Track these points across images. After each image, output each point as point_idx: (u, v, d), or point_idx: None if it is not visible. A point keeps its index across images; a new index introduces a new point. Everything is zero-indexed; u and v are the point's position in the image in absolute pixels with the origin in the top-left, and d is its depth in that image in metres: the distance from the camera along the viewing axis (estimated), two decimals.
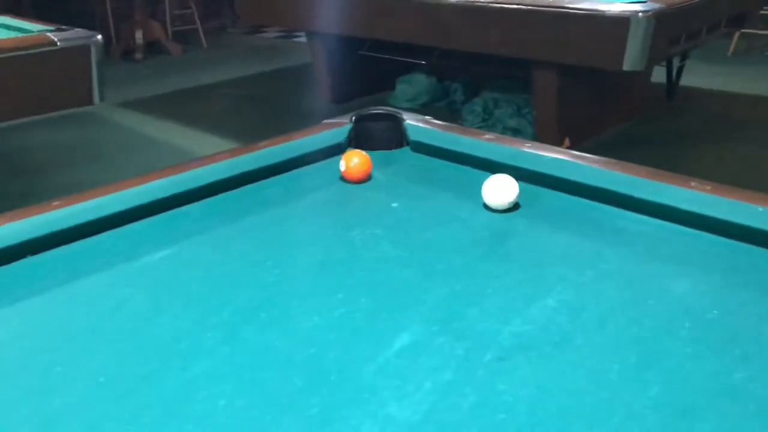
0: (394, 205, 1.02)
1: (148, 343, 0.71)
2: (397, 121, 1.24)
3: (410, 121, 1.25)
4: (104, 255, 0.87)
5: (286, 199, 1.05)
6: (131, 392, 0.64)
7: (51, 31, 2.28)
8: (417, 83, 4.21)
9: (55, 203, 0.93)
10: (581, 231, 0.94)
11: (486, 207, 0.97)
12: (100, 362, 0.68)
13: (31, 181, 3.17)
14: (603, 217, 0.97)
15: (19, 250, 0.86)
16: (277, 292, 0.80)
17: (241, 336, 0.72)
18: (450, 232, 0.94)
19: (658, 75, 3.69)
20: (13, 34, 2.44)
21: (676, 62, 3.61)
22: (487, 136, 1.19)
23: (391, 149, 1.22)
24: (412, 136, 1.21)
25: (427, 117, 1.27)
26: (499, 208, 0.97)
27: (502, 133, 3.48)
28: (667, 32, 2.60)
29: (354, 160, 1.06)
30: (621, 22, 2.48)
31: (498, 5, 2.92)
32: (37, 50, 2.14)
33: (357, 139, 1.20)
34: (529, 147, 1.13)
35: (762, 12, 4.85)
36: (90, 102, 2.30)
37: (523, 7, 2.79)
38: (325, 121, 1.29)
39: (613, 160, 1.06)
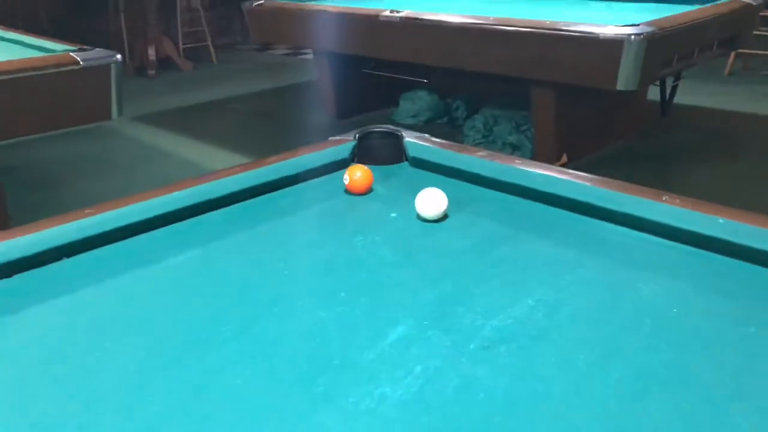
0: (393, 215, 1.11)
1: (174, 333, 0.81)
2: (398, 139, 1.34)
3: (409, 138, 1.35)
4: (133, 257, 0.97)
5: (295, 209, 1.15)
6: (159, 374, 0.73)
7: (74, 50, 2.40)
8: (420, 100, 4.33)
9: (87, 211, 1.03)
10: (564, 241, 1.04)
11: (419, 217, 1.08)
12: (133, 348, 0.78)
13: (48, 192, 3.29)
14: (585, 228, 1.06)
15: (57, 253, 0.96)
16: (286, 291, 0.90)
17: (255, 327, 0.82)
18: (442, 239, 1.04)
19: (655, 93, 3.80)
20: (35, 53, 2.56)
21: (669, 81, 3.72)
22: (480, 154, 1.29)
23: (391, 164, 1.32)
24: (411, 152, 1.32)
25: (425, 135, 1.38)
26: (430, 218, 1.07)
27: (502, 148, 3.59)
28: (658, 54, 2.71)
29: (357, 174, 1.17)
30: (614, 44, 2.59)
31: (498, 27, 3.04)
32: (61, 69, 2.26)
33: (360, 155, 1.30)
34: (519, 164, 1.23)
35: (758, 32, 4.97)
36: (109, 117, 2.41)
37: (521, 29, 2.91)
38: (330, 138, 1.40)
39: (595, 177, 1.16)
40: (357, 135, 1.35)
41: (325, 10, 3.84)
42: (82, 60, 2.31)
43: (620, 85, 2.65)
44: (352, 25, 3.60)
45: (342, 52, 3.91)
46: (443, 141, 1.34)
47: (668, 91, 3.76)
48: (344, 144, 1.33)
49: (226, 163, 3.06)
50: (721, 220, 0.95)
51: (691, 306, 0.85)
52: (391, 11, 3.46)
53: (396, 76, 3.91)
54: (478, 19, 3.14)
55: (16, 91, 2.16)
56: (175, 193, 1.11)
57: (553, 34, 2.82)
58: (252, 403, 0.68)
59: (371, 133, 1.35)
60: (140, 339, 0.80)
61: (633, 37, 2.57)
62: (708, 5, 3.27)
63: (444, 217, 1.08)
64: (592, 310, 0.85)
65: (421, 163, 1.30)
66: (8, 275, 0.91)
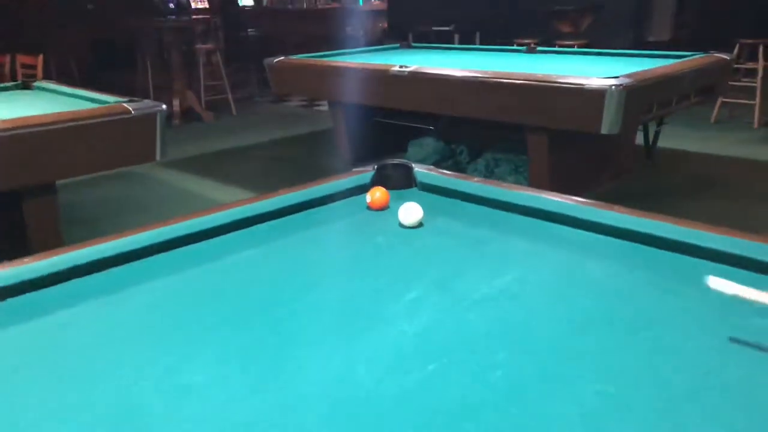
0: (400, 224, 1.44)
1: (256, 297, 1.12)
2: (409, 169, 1.68)
3: (418, 168, 1.68)
4: (213, 252, 1.30)
5: (329, 220, 1.48)
6: (255, 314, 1.04)
7: (125, 101, 2.78)
8: (427, 146, 4.69)
9: (165, 221, 1.36)
10: (534, 239, 1.35)
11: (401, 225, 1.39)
12: (211, 316, 1.09)
13: (88, 228, 3.64)
14: (551, 230, 1.37)
15: (143, 252, 1.27)
16: (327, 274, 1.22)
17: (309, 295, 1.13)
18: (444, 240, 1.35)
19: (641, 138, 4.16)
20: (90, 105, 2.94)
21: (653, 127, 4.07)
22: (474, 180, 1.62)
23: (403, 189, 1.64)
24: (420, 179, 1.65)
25: (431, 166, 1.71)
26: (410, 225, 1.38)
27: None
28: (638, 102, 3.06)
29: (377, 194, 1.49)
30: (598, 93, 2.94)
31: (495, 80, 3.41)
32: (116, 117, 2.63)
33: (378, 181, 1.63)
34: (503, 186, 1.55)
35: (743, 83, 5.36)
36: (154, 158, 2.77)
37: (516, 81, 3.28)
38: (354, 169, 1.73)
39: (561, 194, 1.48)
40: (375, 166, 1.69)
41: (341, 66, 4.26)
42: (133, 109, 2.69)
43: (604, 130, 2.99)
44: (365, 79, 3.99)
45: (356, 102, 4.30)
46: (445, 171, 1.67)
47: (652, 136, 4.10)
48: (366, 173, 1.66)
49: None
50: (653, 222, 1.27)
51: (621, 276, 1.16)
52: (401, 66, 3.86)
53: (405, 123, 4.29)
54: (478, 73, 3.53)
55: (81, 136, 2.53)
56: (236, 209, 1.44)
57: (545, 86, 3.19)
58: (316, 334, 0.99)
59: (387, 164, 1.68)
60: (217, 309, 1.11)
61: (614, 87, 2.92)
62: (684, 60, 3.65)
63: (419, 224, 1.39)
64: (552, 281, 1.16)
65: (427, 187, 1.62)
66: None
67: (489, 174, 4.05)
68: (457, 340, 0.96)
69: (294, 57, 4.62)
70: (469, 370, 0.88)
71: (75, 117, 2.51)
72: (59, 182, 3.19)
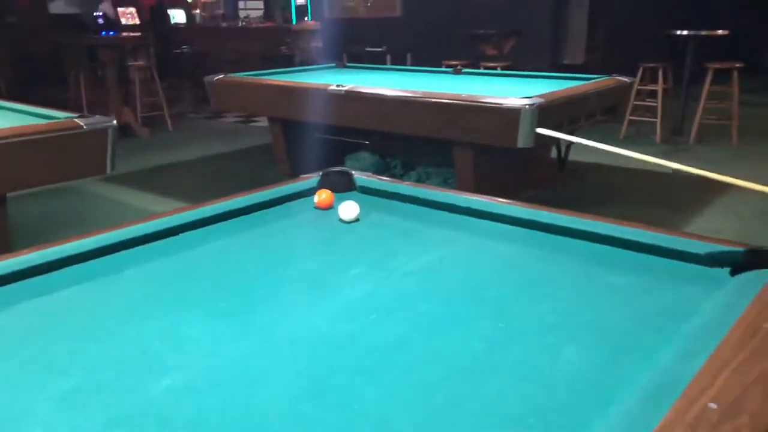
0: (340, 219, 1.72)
1: (226, 279, 1.37)
2: (349, 175, 1.95)
3: (357, 175, 1.96)
4: (188, 242, 1.53)
5: (284, 217, 1.73)
6: (232, 274, 1.29)
7: (76, 117, 2.94)
8: (363, 159, 4.98)
9: (148, 217, 1.58)
10: (452, 228, 1.64)
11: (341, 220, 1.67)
12: (196, 289, 1.33)
13: (32, 242, 3.71)
14: (466, 222, 1.68)
15: (128, 243, 1.50)
16: (287, 256, 1.48)
17: (272, 274, 1.38)
18: (379, 231, 1.63)
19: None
20: (40, 120, 3.07)
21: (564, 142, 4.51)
22: (405, 184, 1.92)
23: (345, 191, 1.92)
24: (359, 183, 1.93)
25: (368, 173, 2.00)
26: (349, 220, 1.66)
27: None
28: (549, 119, 3.45)
29: (323, 196, 1.76)
30: (514, 111, 3.31)
31: (425, 99, 3.75)
32: (68, 132, 2.79)
33: (324, 185, 1.90)
34: (427, 188, 1.85)
35: (648, 103, 5.93)
36: (105, 171, 2.94)
37: (443, 100, 3.62)
38: (301, 175, 2.00)
39: (476, 194, 1.79)
40: (321, 172, 1.95)
41: (282, 84, 4.51)
42: (85, 124, 2.85)
43: (519, 144, 3.37)
44: (305, 97, 4.26)
45: (296, 119, 4.56)
46: (381, 177, 1.96)
47: (564, 150, 4.55)
48: (312, 178, 1.93)
49: None
50: (549, 213, 1.59)
51: (518, 253, 1.48)
52: (338, 85, 4.15)
53: (343, 139, 4.57)
54: (408, 93, 3.86)
55: (35, 150, 2.68)
56: (204, 208, 1.68)
57: (469, 105, 3.54)
58: (282, 298, 1.25)
59: (330, 171, 1.95)
60: (215, 276, 1.35)
61: (527, 106, 3.30)
62: (591, 82, 4.10)
63: (357, 219, 1.67)
64: (465, 257, 1.46)
65: (366, 190, 1.90)
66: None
67: None
68: (391, 299, 1.24)
69: (234, 75, 4.84)
70: (400, 317, 1.16)
71: (27, 132, 2.66)
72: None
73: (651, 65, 5.94)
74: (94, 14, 8.81)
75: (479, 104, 3.50)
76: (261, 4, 12.53)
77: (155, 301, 1.25)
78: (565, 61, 6.93)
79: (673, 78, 6.38)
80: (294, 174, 4.96)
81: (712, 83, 5.74)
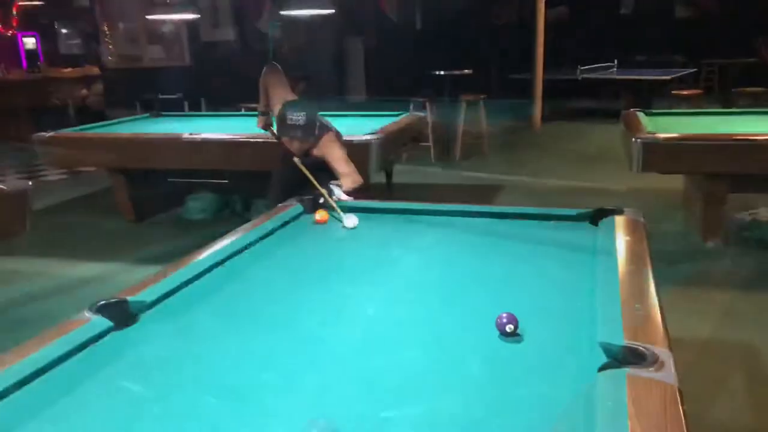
0: (343, 227, 2.39)
1: (276, 291, 1.97)
2: (316, 198, 2.61)
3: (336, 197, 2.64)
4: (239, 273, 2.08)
5: (296, 233, 2.34)
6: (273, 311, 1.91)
7: None
8: (204, 199, 5.40)
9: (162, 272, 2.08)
10: (427, 224, 2.43)
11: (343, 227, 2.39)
12: (259, 304, 1.92)
13: None
14: (452, 221, 2.46)
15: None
16: (305, 265, 2.11)
17: (344, 261, 2.03)
18: (364, 232, 2.34)
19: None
20: None
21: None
22: (376, 199, 2.65)
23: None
24: (338, 204, 2.59)
25: (349, 196, 2.69)
26: (351, 227, 2.38)
27: None
28: (387, 150, 4.38)
29: (322, 213, 2.42)
30: (365, 145, 4.16)
31: (268, 139, 4.37)
32: None
33: (315, 206, 2.53)
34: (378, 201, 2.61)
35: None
36: (25, 229, 3.07)
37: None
38: (280, 204, 2.60)
39: (403, 199, 2.60)
40: (295, 200, 2.58)
41: (134, 137, 4.77)
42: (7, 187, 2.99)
43: (371, 171, 4.22)
44: (161, 146, 4.59)
45: (147, 167, 4.83)
46: (350, 198, 2.67)
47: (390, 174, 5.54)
48: (296, 205, 2.55)
49: None
50: (479, 207, 2.47)
51: (464, 239, 2.32)
52: (191, 134, 4.59)
53: (197, 180, 4.97)
54: (245, 136, 4.43)
55: None
56: (225, 245, 2.21)
57: None
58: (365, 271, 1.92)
59: (305, 197, 2.59)
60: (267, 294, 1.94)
61: (374, 141, 4.18)
62: (401, 118, 5.15)
63: (355, 226, 2.38)
64: (440, 241, 2.26)
65: (344, 208, 2.58)
66: None
67: None
68: (420, 257, 2.00)
69: (68, 131, 4.92)
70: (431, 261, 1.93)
71: None
72: None
73: (419, 99, 7.30)
74: None
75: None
76: None
77: (236, 322, 1.84)
78: (351, 100, 8.02)
79: (436, 108, 7.86)
80: (139, 219, 5.19)
81: (466, 111, 7.30)
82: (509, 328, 1.49)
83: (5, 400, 1.27)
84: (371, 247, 2.21)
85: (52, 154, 4.85)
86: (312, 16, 7.53)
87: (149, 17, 7.41)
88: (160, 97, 7.56)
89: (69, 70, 8.77)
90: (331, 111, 5.73)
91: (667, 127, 4.40)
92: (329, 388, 1.32)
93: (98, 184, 6.32)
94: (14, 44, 9.79)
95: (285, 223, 2.40)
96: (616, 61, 10.69)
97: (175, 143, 4.55)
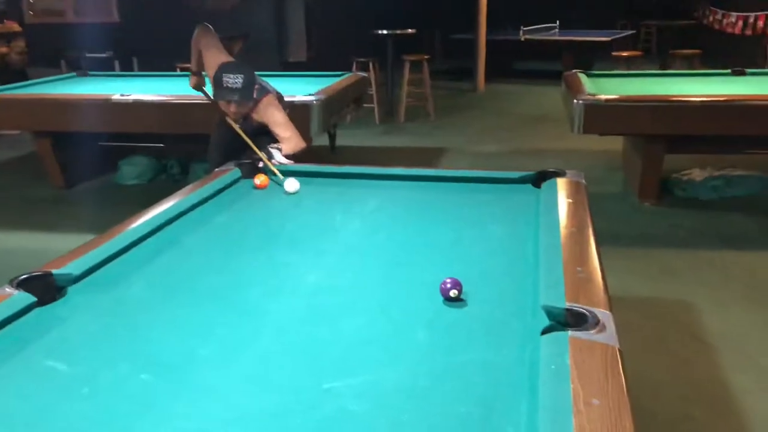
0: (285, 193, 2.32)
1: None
2: (254, 163, 2.51)
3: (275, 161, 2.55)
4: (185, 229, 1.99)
5: (232, 201, 2.25)
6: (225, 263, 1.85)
7: None
8: (139, 164, 5.18)
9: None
10: (371, 188, 2.38)
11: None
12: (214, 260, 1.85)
13: None
14: (373, 183, 2.42)
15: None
16: (246, 227, 2.05)
17: (263, 232, 1.96)
18: (307, 196, 2.29)
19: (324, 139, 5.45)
20: None
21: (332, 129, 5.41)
22: (310, 164, 2.57)
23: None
24: (278, 167, 2.50)
25: (290, 161, 2.60)
26: (293, 192, 2.33)
27: None
28: (328, 112, 4.27)
29: (261, 178, 2.33)
30: (306, 107, 4.05)
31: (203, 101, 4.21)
32: None
33: (249, 172, 2.44)
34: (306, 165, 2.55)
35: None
36: None
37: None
38: (217, 170, 2.50)
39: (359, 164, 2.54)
40: (234, 164, 2.48)
41: (61, 98, 4.49)
42: None
43: (312, 133, 4.13)
44: (88, 108, 4.35)
45: (75, 131, 4.57)
46: (290, 162, 2.59)
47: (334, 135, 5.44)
48: (234, 170, 2.45)
49: None
50: (425, 170, 2.43)
51: (412, 195, 2.29)
52: (121, 95, 4.36)
53: (130, 144, 4.75)
54: (183, 98, 4.25)
55: None
56: (159, 212, 2.12)
57: None
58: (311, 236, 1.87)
59: (243, 162, 2.50)
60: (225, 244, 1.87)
61: (315, 101, 4.07)
62: (343, 78, 5.04)
63: (296, 191, 2.32)
64: (380, 201, 2.22)
65: (287, 173, 2.49)
66: None
67: None
68: (367, 218, 1.96)
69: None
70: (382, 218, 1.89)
71: None
72: None
73: (362, 59, 7.16)
74: None
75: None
76: None
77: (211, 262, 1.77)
78: (291, 59, 7.80)
79: (380, 69, 7.74)
80: (69, 186, 4.94)
81: (410, 72, 7.21)
82: (453, 293, 1.48)
83: None
84: (313, 212, 2.16)
85: None
86: None
87: None
88: (88, 55, 7.16)
89: None
90: (270, 71, 5.60)
91: (608, 88, 4.46)
92: (269, 360, 1.28)
93: (23, 149, 6.00)
94: None
95: (222, 189, 2.31)
96: (558, 22, 10.76)
97: (104, 105, 4.32)
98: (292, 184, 2.29)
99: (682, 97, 4.05)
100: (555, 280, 1.48)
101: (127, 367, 1.26)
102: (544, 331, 1.29)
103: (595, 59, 8.95)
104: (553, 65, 9.36)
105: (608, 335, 1.27)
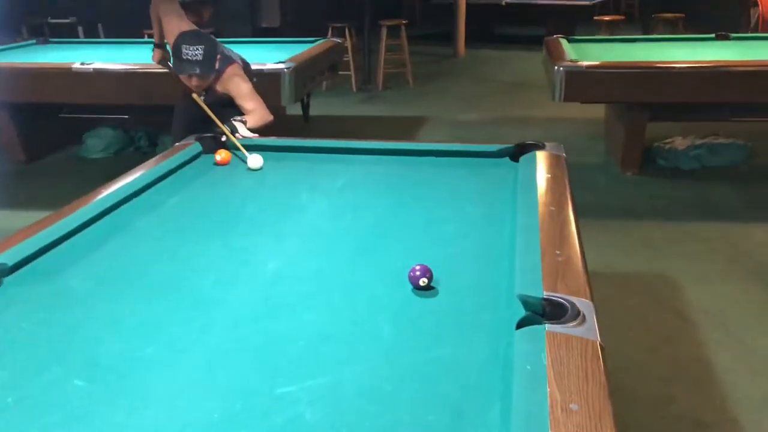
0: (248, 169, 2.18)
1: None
2: (217, 137, 2.36)
3: (239, 135, 2.39)
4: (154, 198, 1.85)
5: (190, 179, 2.11)
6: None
7: None
8: (105, 136, 4.97)
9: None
10: (340, 162, 2.24)
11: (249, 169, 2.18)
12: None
13: None
14: (338, 157, 2.28)
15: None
16: (203, 208, 1.91)
17: (231, 207, 1.83)
18: (272, 172, 2.15)
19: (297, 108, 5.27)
20: None
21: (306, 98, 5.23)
22: (272, 137, 2.42)
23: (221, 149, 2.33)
24: (242, 142, 2.35)
25: (255, 135, 2.44)
26: (256, 168, 2.18)
27: None
28: (300, 79, 4.09)
29: (222, 154, 2.18)
30: (276, 75, 3.87)
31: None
32: None
33: (211, 147, 2.29)
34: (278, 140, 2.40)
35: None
36: None
37: None
38: (177, 144, 2.34)
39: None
40: (194, 139, 2.33)
41: (19, 67, 4.25)
42: None
43: (284, 102, 3.95)
44: (45, 77, 4.12)
45: (33, 101, 4.35)
46: (255, 135, 2.43)
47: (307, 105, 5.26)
48: (194, 144, 2.29)
49: None
50: (400, 145, 2.30)
51: (382, 168, 2.16)
52: (82, 63, 4.14)
53: (93, 116, 4.53)
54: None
55: None
56: (107, 194, 1.97)
57: None
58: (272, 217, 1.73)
59: (205, 136, 2.34)
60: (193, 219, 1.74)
61: (286, 70, 3.89)
62: (316, 44, 4.84)
63: (260, 168, 2.17)
64: (348, 175, 2.09)
65: (249, 148, 2.34)
66: None
67: None
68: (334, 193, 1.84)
69: None
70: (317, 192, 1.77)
71: None
72: None
73: (338, 25, 6.92)
74: None
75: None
76: None
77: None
78: (264, 25, 7.52)
79: (357, 35, 7.51)
80: (30, 159, 4.73)
81: (388, 38, 7.00)
82: (423, 281, 1.36)
83: None
84: (277, 191, 2.02)
85: None
86: None
87: None
88: (50, 21, 6.84)
89: None
90: (241, 38, 5.38)
91: (590, 54, 4.32)
92: (219, 361, 1.16)
93: None
94: None
95: (181, 166, 2.16)
96: None
97: (65, 74, 4.09)
98: (255, 160, 2.14)
99: (665, 63, 3.92)
100: (532, 265, 1.37)
101: (59, 371, 1.14)
102: (520, 324, 1.19)
103: (577, 24, 8.77)
104: (534, 30, 9.17)
105: (588, 328, 1.17)
